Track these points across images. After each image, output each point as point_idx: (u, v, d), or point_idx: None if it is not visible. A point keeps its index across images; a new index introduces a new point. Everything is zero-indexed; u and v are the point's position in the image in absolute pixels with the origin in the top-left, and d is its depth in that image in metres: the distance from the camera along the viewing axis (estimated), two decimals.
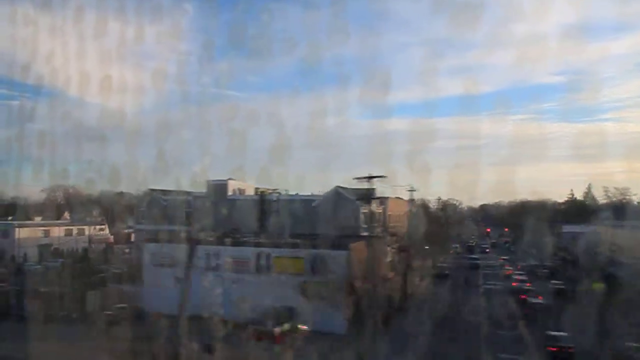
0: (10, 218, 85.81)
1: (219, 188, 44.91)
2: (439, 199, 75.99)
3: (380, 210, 47.32)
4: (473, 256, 65.13)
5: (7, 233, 57.60)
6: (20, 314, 32.64)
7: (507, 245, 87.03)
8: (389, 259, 39.16)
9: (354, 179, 30.27)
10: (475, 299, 41.56)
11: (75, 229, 65.23)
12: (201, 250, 33.80)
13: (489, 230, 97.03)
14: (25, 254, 55.50)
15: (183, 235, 34.88)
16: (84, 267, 49.37)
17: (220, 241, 35.40)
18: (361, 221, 41.27)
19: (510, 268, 57.04)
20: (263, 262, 32.07)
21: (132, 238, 77.64)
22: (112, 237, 70.21)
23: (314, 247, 31.23)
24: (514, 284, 45.51)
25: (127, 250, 61.10)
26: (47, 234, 61.40)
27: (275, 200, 43.23)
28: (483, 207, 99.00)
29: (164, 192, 50.20)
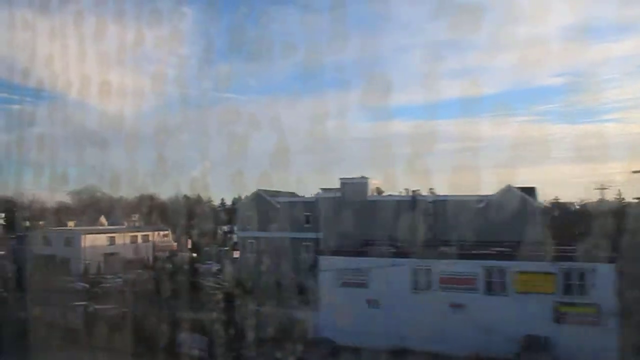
0: (41, 223, 77.58)
1: (358, 187, 38.13)
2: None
3: None
4: None
5: (72, 241, 49.70)
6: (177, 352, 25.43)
7: None
8: None
9: (633, 172, 24.04)
10: None
11: (139, 236, 57.47)
12: (401, 264, 27.20)
13: None
14: (99, 265, 47.85)
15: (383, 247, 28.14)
16: (182, 281, 42.11)
17: (404, 252, 28.77)
18: (539, 224, 35.13)
19: None
20: (496, 278, 25.57)
21: (189, 244, 70.14)
22: (175, 244, 62.61)
23: (563, 258, 24.88)
24: None
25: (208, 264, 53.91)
26: (112, 241, 53.58)
27: (431, 202, 36.70)
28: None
29: (272, 193, 43.28)
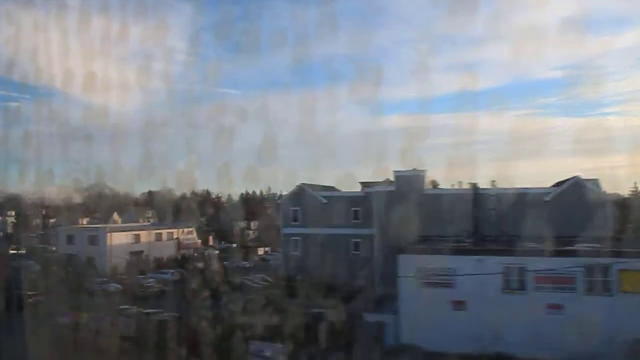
0: (53, 221, 75.13)
1: (414, 180, 35.98)
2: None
3: None
4: None
5: (97, 239, 47.14)
6: None
7: None
8: None
9: None
10: None
11: (164, 233, 54.97)
12: (489, 262, 25.15)
13: None
14: (127, 265, 45.37)
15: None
16: (224, 281, 39.78)
17: (491, 249, 26.75)
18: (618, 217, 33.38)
19: None
20: (598, 277, 23.59)
21: (211, 241, 67.89)
22: (200, 241, 60.26)
23: None
24: None
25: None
26: (137, 239, 51.06)
27: (493, 195, 34.68)
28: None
29: (315, 187, 41.04)
